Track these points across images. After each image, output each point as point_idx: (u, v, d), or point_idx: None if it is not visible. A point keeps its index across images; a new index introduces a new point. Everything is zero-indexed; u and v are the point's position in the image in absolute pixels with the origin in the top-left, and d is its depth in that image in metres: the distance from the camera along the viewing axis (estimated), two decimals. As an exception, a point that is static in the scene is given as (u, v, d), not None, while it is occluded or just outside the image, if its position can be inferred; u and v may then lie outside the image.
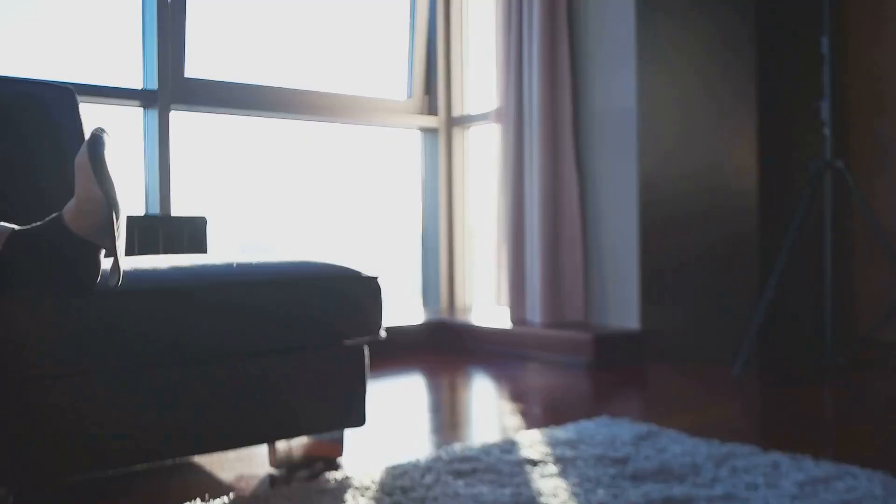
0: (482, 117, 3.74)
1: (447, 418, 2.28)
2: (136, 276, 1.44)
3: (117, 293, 1.38)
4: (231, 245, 3.45)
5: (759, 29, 3.38)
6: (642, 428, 1.90)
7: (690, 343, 3.17)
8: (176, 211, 3.02)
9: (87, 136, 2.05)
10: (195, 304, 1.49)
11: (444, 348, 3.44)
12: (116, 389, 1.42)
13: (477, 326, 3.40)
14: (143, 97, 3.01)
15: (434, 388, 2.75)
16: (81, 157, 1.25)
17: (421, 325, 3.43)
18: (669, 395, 2.52)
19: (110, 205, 1.24)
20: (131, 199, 2.93)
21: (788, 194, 3.40)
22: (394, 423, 2.17)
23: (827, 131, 2.85)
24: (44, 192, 1.89)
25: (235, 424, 1.57)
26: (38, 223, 1.32)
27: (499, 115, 3.46)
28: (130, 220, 2.44)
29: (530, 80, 3.31)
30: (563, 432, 1.89)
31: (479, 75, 3.86)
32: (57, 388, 1.36)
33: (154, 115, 3.01)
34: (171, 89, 3.03)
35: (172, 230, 2.58)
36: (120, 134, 3.07)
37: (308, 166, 3.75)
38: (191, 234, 2.65)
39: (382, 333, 1.75)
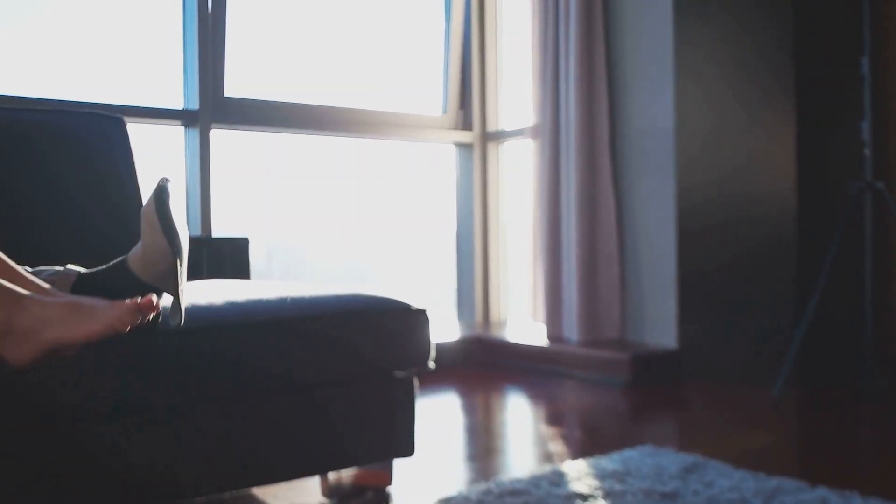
0: (517, 133, 3.75)
1: (487, 442, 2.29)
2: (194, 313, 1.46)
3: (177, 332, 1.41)
4: (270, 263, 3.49)
5: (797, 46, 3.37)
6: (688, 459, 1.90)
7: (728, 361, 3.17)
8: (215, 229, 3.05)
9: (136, 161, 2.09)
10: (251, 340, 1.51)
11: (479, 364, 3.45)
12: (176, 425, 1.45)
13: (512, 343, 3.42)
14: (184, 117, 3.05)
15: (472, 409, 2.77)
16: (148, 208, 1.28)
17: (456, 341, 3.44)
18: (710, 418, 2.52)
19: (175, 254, 1.27)
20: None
21: (827, 214, 3.38)
22: (433, 446, 2.19)
23: (867, 152, 2.84)
24: (99, 224, 1.92)
25: (289, 456, 1.59)
26: (104, 266, 1.35)
27: (535, 131, 3.47)
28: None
29: (567, 96, 3.32)
30: (609, 463, 1.90)
31: (514, 91, 3.87)
32: (118, 426, 1.39)
33: (195, 134, 3.05)
34: (211, 109, 3.07)
35: (215, 252, 2.61)
36: (162, 153, 3.12)
37: (344, 182, 3.78)
38: (233, 255, 2.68)
39: (431, 364, 1.77)
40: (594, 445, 2.15)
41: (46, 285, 1.28)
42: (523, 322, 3.75)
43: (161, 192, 1.28)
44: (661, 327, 3.16)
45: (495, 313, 3.88)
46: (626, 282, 3.28)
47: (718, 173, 3.21)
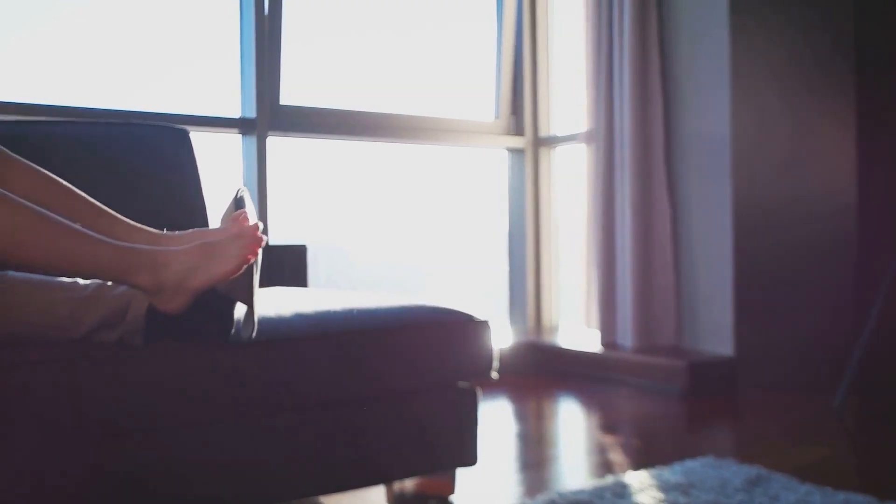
0: (569, 138, 3.74)
1: (543, 450, 2.29)
2: (264, 324, 1.49)
3: (248, 344, 1.43)
4: (321, 269, 3.52)
5: (856, 47, 3.32)
6: (751, 471, 1.88)
7: (786, 370, 3.13)
8: (272, 236, 3.09)
9: (202, 172, 2.13)
10: (320, 352, 1.53)
11: (531, 370, 3.45)
12: (245, 434, 1.48)
13: (566, 349, 3.41)
14: (241, 125, 3.10)
15: (525, 416, 2.77)
16: (225, 221, 1.31)
17: (509, 347, 3.44)
18: (769, 429, 2.49)
19: (251, 265, 1.29)
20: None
21: (888, 219, 3.32)
22: (488, 454, 2.19)
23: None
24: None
25: (355, 465, 1.61)
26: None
27: (588, 137, 3.46)
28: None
29: (621, 102, 3.30)
30: (671, 474, 1.89)
31: (566, 96, 3.86)
32: (189, 434, 1.42)
33: (252, 142, 3.09)
34: (268, 117, 3.11)
35: (274, 259, 2.64)
36: (220, 161, 3.17)
37: (397, 187, 3.81)
38: (291, 262, 2.71)
39: (494, 375, 1.78)
40: (654, 455, 2.14)
41: (156, 231, 1.39)
42: (576, 328, 3.74)
43: (239, 204, 1.31)
44: (716, 334, 3.13)
45: (547, 319, 3.88)
46: (682, 288, 3.26)
47: (776, 178, 3.17)
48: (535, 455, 2.25)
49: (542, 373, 3.41)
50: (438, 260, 4.05)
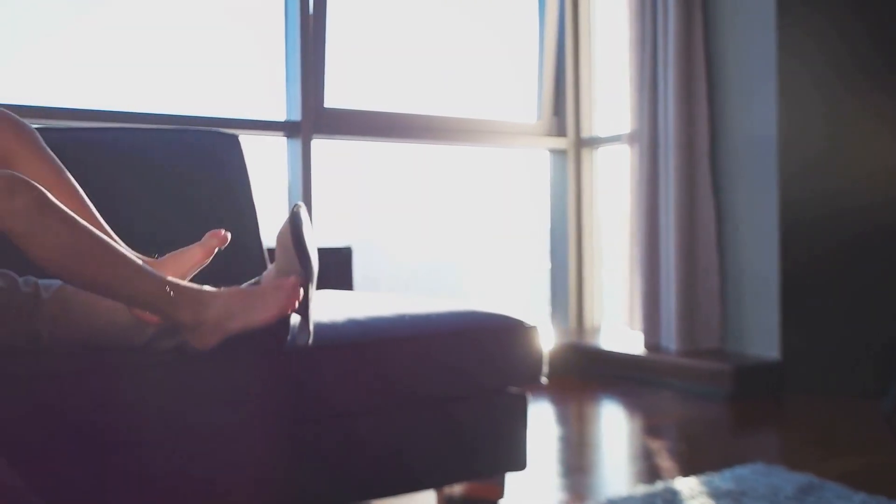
0: (612, 139, 3.72)
1: (588, 454, 2.29)
2: (318, 331, 1.51)
3: (303, 351, 1.45)
4: (368, 269, 3.54)
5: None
6: (802, 479, 1.87)
7: (833, 374, 3.09)
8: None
9: (252, 181, 2.15)
10: (372, 358, 1.55)
11: (573, 372, 3.44)
12: (298, 438, 1.50)
13: (608, 351, 3.40)
14: (286, 128, 3.13)
15: (568, 419, 2.77)
16: (283, 234, 1.33)
17: (551, 348, 3.44)
18: (818, 434, 2.46)
19: (308, 279, 1.31)
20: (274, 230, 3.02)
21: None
22: (534, 457, 2.19)
23: None
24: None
25: (406, 470, 1.63)
26: (239, 287, 1.40)
27: (632, 138, 3.44)
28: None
29: (665, 103, 3.28)
30: (721, 481, 1.88)
31: (609, 96, 3.85)
32: (246, 439, 1.44)
33: (297, 144, 3.12)
34: (312, 120, 3.14)
35: (319, 262, 2.67)
36: (263, 163, 3.20)
37: (438, 187, 3.82)
38: (337, 264, 2.74)
39: (544, 380, 1.78)
40: (701, 461, 2.13)
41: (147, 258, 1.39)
42: (618, 329, 3.73)
43: (296, 220, 1.33)
44: (762, 338, 3.10)
45: (589, 320, 3.87)
46: (726, 290, 3.23)
47: (822, 180, 3.13)
48: (578, 459, 2.25)
49: (583, 375, 3.40)
50: (479, 260, 4.06)
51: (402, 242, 3.82)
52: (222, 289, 1.31)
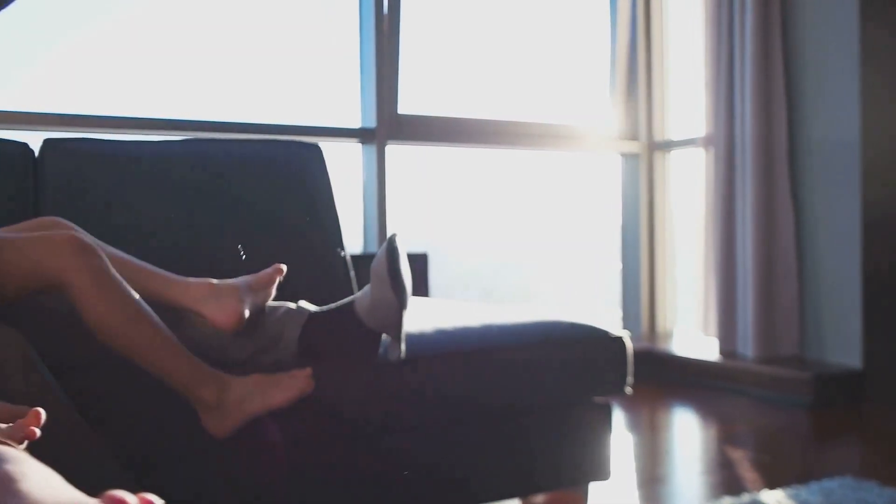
0: (687, 142, 3.68)
1: (664, 463, 2.27)
2: (408, 342, 1.53)
3: (395, 364, 1.47)
4: (445, 275, 3.56)
5: None
6: (894, 494, 1.83)
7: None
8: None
9: (335, 190, 2.18)
10: (458, 369, 1.57)
11: (644, 378, 3.40)
12: (384, 448, 1.53)
13: (682, 356, 3.36)
14: (361, 135, 3.17)
15: (641, 427, 2.75)
16: (379, 265, 1.36)
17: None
18: (907, 446, 2.41)
19: (402, 307, 1.34)
20: (350, 236, 3.05)
21: None
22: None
23: None
24: (302, 249, 2.02)
25: (492, 479, 1.64)
26: (332, 307, 1.44)
27: (707, 141, 3.40)
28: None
29: (742, 105, 3.23)
30: (809, 494, 1.85)
31: (683, 99, 3.81)
32: (325, 451, 1.47)
33: (372, 150, 3.16)
34: (387, 126, 3.17)
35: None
36: (338, 169, 3.24)
37: (510, 192, 3.83)
38: (414, 271, 2.76)
39: (628, 390, 1.78)
40: (785, 473, 2.10)
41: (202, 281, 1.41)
42: (691, 335, 3.69)
43: (392, 253, 1.36)
44: (843, 345, 3.04)
45: (662, 325, 3.83)
46: (806, 296, 3.17)
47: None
48: (656, 469, 2.24)
49: (655, 381, 3.37)
50: (548, 265, 4.05)
51: (469, 246, 3.84)
52: (248, 377, 1.34)
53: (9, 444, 0.59)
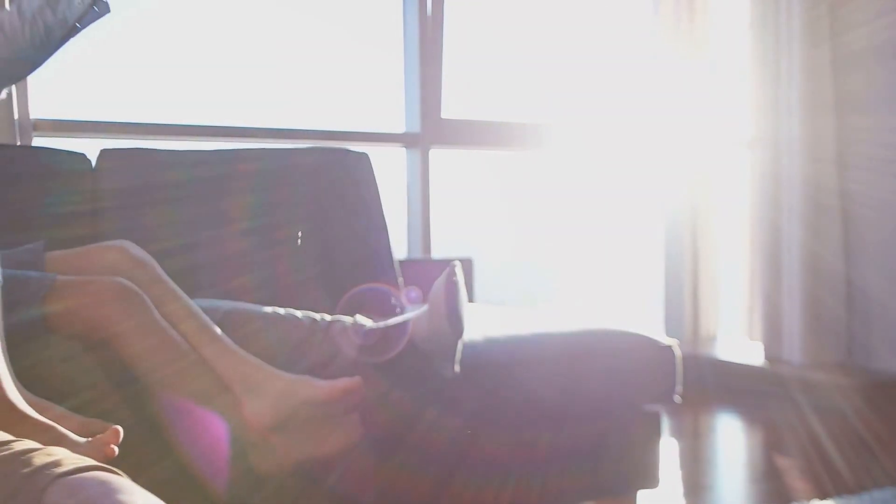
0: (731, 142, 3.65)
1: (712, 471, 2.26)
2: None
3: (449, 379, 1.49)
4: (483, 275, 3.57)
5: None
6: (951, 505, 1.81)
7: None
8: (434, 249, 3.17)
9: (383, 198, 2.20)
10: (511, 378, 1.58)
11: (688, 382, 3.37)
12: (445, 458, 1.54)
13: (726, 361, 3.33)
14: (406, 140, 3.19)
15: (686, 433, 2.73)
16: (436, 298, 1.38)
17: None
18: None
19: (457, 338, 1.36)
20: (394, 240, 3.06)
21: None
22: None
23: None
24: (351, 257, 2.04)
25: (544, 486, 1.65)
26: (389, 324, 1.46)
27: (753, 143, 3.37)
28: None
29: (789, 105, 3.19)
30: (862, 505, 1.83)
31: (728, 98, 3.77)
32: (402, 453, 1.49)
33: (416, 155, 3.18)
34: (431, 131, 3.19)
35: (439, 273, 2.71)
36: (383, 173, 3.26)
37: (549, 194, 3.83)
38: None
39: (677, 399, 1.78)
40: (836, 483, 2.08)
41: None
42: (736, 339, 3.65)
43: (452, 287, 1.37)
44: (893, 351, 2.99)
45: (704, 329, 3.80)
46: (854, 301, 3.13)
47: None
48: (702, 476, 2.22)
49: (699, 385, 3.34)
50: (590, 266, 4.05)
51: (506, 247, 3.84)
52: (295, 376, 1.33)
53: (116, 473, 0.61)
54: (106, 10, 1.40)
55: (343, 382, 1.28)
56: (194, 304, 1.32)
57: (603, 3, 3.88)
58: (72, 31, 1.39)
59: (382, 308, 1.77)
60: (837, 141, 3.16)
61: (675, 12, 3.74)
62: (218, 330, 1.31)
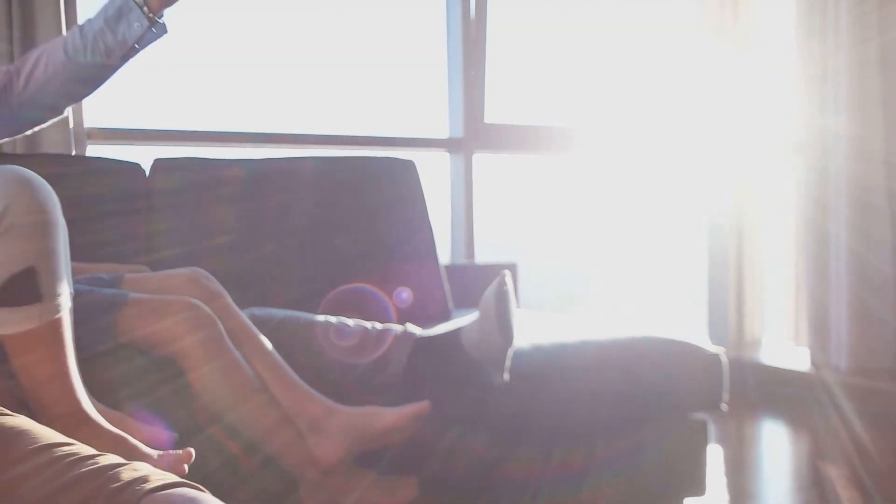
0: (777, 145, 3.62)
1: (758, 479, 2.25)
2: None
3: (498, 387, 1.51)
4: (524, 279, 3.58)
5: None
6: None
7: None
8: (479, 253, 3.18)
9: (428, 204, 2.23)
10: (560, 386, 1.59)
11: (731, 388, 3.35)
12: (490, 463, 1.56)
13: (771, 366, 3.30)
14: (448, 145, 3.22)
15: (730, 439, 2.70)
16: (487, 306, 1.40)
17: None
18: None
19: (507, 346, 1.39)
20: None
21: None
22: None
23: None
24: (397, 263, 2.07)
25: (591, 494, 1.66)
26: (439, 333, 1.49)
27: (798, 145, 3.34)
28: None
29: (836, 108, 3.16)
30: (912, 515, 1.82)
31: (771, 102, 3.74)
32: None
33: (459, 160, 3.20)
34: (474, 136, 3.21)
35: (483, 278, 2.72)
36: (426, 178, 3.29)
37: (593, 199, 3.83)
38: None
39: (724, 407, 1.78)
40: (884, 493, 2.06)
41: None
42: (781, 344, 3.62)
43: (502, 297, 1.40)
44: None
45: (749, 333, 3.76)
46: (902, 306, 3.09)
47: None
48: (748, 484, 2.21)
49: (743, 391, 3.32)
50: (631, 270, 4.03)
51: (548, 251, 3.84)
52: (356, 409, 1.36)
53: (200, 489, 0.63)
54: (163, 31, 1.44)
55: (411, 409, 1.33)
56: (267, 341, 1.35)
57: (646, 4, 3.87)
58: (131, 52, 1.43)
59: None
60: (886, 140, 3.11)
61: (719, 11, 3.72)
62: (288, 368, 1.34)
